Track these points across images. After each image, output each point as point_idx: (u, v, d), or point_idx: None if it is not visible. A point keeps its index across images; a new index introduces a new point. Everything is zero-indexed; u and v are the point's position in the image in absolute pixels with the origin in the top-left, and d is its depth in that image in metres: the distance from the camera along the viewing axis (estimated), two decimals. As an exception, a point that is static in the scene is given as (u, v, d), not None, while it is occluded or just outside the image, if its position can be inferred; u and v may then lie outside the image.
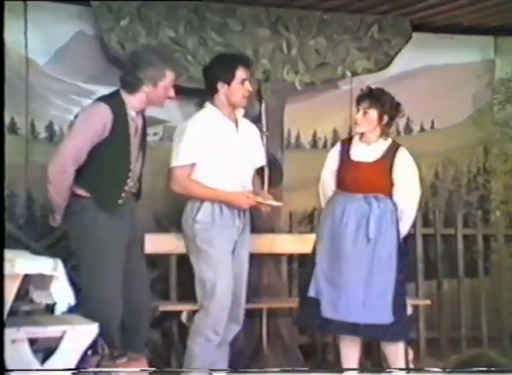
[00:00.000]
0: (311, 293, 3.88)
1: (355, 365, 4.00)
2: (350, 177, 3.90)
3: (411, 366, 4.39)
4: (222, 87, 3.75)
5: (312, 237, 4.85)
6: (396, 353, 3.95)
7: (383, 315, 3.81)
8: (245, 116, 3.98)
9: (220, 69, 3.76)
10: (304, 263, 4.99)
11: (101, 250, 3.53)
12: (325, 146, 5.18)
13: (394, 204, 3.90)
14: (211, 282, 3.67)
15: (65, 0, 4.60)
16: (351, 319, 3.81)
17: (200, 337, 3.70)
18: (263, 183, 4.55)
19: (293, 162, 4.93)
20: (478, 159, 5.57)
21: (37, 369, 3.16)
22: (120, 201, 3.59)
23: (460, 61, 5.46)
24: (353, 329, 3.83)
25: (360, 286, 3.81)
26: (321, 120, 5.17)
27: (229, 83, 3.74)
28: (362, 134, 3.96)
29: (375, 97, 3.89)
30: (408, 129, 5.44)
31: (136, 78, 3.58)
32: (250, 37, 4.75)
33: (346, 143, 4.02)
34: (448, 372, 4.32)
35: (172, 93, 3.67)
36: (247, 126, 3.93)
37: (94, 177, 3.56)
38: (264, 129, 4.69)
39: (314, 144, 5.16)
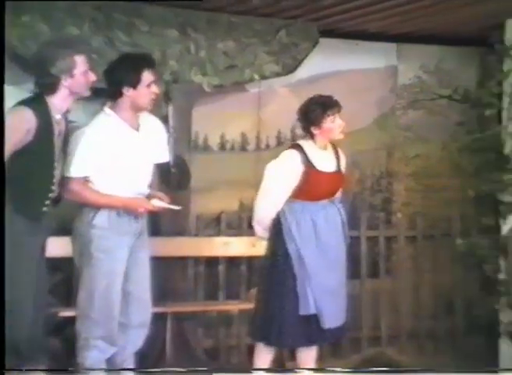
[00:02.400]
0: (311, 310, 3.77)
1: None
2: (320, 187, 3.86)
3: (314, 366, 4.47)
4: (127, 92, 3.57)
5: (220, 240, 4.92)
6: (310, 354, 3.98)
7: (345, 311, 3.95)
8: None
9: (124, 73, 3.56)
10: (210, 266, 5.03)
11: (16, 255, 3.34)
12: (232, 148, 5.19)
13: None
14: (100, 291, 3.55)
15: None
16: (341, 323, 3.87)
17: (91, 349, 3.56)
18: (169, 185, 4.55)
19: (201, 165, 4.91)
20: (381, 163, 5.71)
21: (36, 369, 3.12)
22: (45, 209, 3.47)
23: (365, 66, 5.54)
24: (343, 331, 3.93)
25: (344, 287, 3.90)
26: (229, 123, 5.16)
27: (134, 87, 3.57)
28: (314, 140, 3.88)
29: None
30: (316, 132, 5.50)
31: (52, 76, 3.45)
32: (157, 37, 4.69)
33: (300, 150, 3.86)
34: (349, 372, 4.44)
35: (92, 77, 3.54)
36: (149, 126, 3.74)
37: (16, 184, 3.39)
38: (172, 130, 4.66)
39: (222, 146, 5.15)
